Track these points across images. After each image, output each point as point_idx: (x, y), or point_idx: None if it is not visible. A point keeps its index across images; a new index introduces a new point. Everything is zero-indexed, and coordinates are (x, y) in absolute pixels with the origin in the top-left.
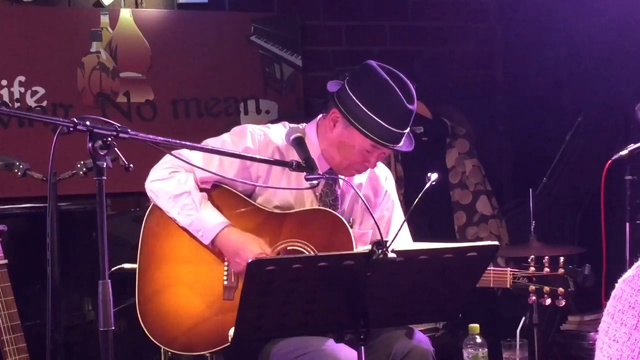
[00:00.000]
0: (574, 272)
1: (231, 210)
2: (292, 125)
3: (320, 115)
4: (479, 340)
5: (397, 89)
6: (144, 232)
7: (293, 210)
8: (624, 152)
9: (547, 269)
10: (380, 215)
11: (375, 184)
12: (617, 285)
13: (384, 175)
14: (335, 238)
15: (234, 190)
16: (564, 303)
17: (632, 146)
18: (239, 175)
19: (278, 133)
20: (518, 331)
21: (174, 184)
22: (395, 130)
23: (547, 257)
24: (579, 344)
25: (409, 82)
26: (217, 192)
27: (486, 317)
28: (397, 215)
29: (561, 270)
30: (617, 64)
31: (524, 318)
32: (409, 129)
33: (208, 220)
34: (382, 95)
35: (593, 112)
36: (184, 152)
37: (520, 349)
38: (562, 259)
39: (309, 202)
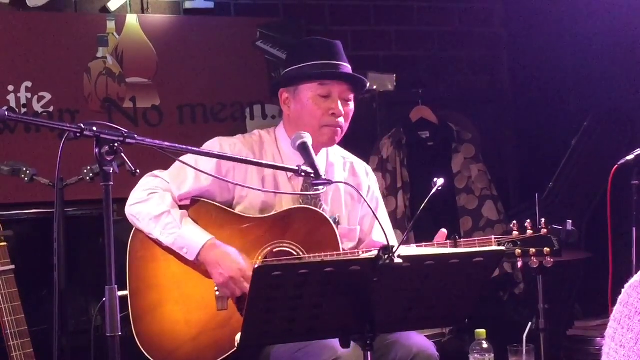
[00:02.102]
0: (557, 230)
1: (213, 222)
2: (263, 130)
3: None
4: (485, 345)
5: (311, 37)
6: (129, 256)
7: (273, 213)
8: (630, 157)
9: (530, 231)
10: (365, 213)
11: (357, 179)
12: (623, 290)
13: (364, 171)
14: (319, 234)
15: (213, 203)
16: (551, 262)
17: (638, 151)
18: (216, 185)
19: (251, 142)
20: (524, 336)
21: (153, 205)
22: (327, 62)
23: (529, 220)
24: (586, 349)
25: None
26: (197, 205)
27: (492, 322)
28: (381, 211)
29: (544, 231)
30: (622, 68)
31: (530, 323)
32: (346, 64)
33: (190, 237)
34: (301, 46)
35: (599, 116)
36: (159, 173)
37: (526, 355)
38: (542, 220)
39: (292, 203)
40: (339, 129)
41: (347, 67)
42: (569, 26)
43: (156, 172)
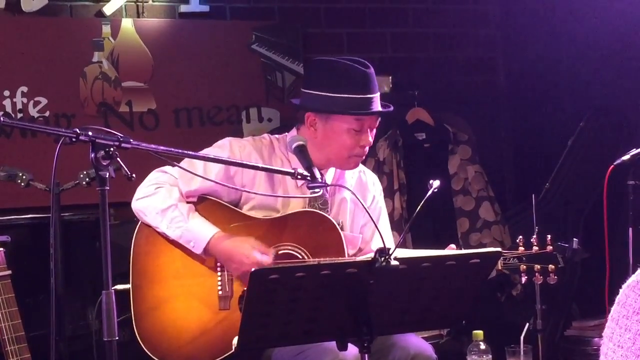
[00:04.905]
0: (562, 248)
1: (219, 220)
2: (273, 136)
3: (295, 128)
4: (483, 346)
5: (345, 61)
6: (133, 251)
7: (281, 215)
8: (626, 157)
9: (535, 248)
10: (367, 221)
11: (364, 189)
12: (621, 290)
13: (372, 181)
14: (324, 238)
15: (220, 201)
16: (556, 280)
17: (634, 151)
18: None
19: (261, 145)
20: (522, 337)
21: (160, 198)
22: (364, 96)
23: (534, 236)
24: (583, 349)
25: (357, 58)
26: (203, 204)
27: (490, 323)
28: (383, 221)
29: (549, 248)
30: (618, 68)
31: (527, 324)
32: (378, 93)
33: (198, 230)
34: (335, 73)
35: (595, 117)
36: (168, 169)
37: (524, 355)
38: (549, 237)
39: (299, 206)
40: (363, 156)
41: (378, 98)
42: (565, 27)
43: (165, 168)
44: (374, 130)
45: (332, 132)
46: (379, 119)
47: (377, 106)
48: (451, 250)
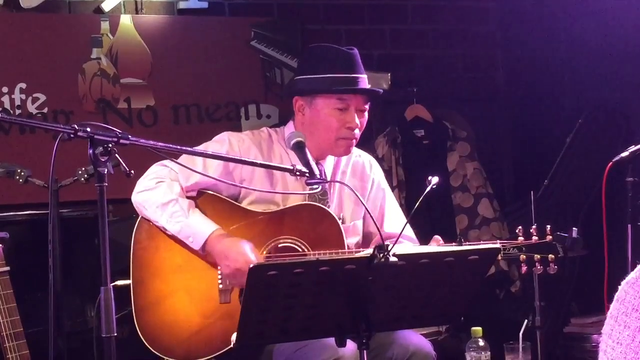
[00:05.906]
0: (562, 237)
1: (218, 215)
2: (271, 129)
3: (291, 120)
4: (481, 343)
5: (328, 45)
6: (134, 246)
7: (280, 208)
8: (625, 154)
9: (535, 238)
10: (373, 207)
11: (361, 172)
12: (620, 287)
13: (369, 163)
14: (324, 231)
15: (220, 196)
16: (556, 269)
17: (633, 148)
18: (222, 179)
19: (259, 139)
20: (521, 334)
21: (160, 193)
22: (346, 75)
23: (534, 226)
24: (582, 346)
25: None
26: (203, 198)
27: (489, 320)
28: (390, 202)
29: (549, 237)
30: (617, 65)
31: (526, 321)
32: (364, 75)
33: (197, 225)
34: (318, 55)
35: (594, 114)
36: (168, 162)
37: (523, 352)
38: (548, 227)
39: (298, 200)
40: (354, 140)
41: (364, 80)
42: (563, 24)
43: (165, 162)
44: (365, 115)
45: (317, 114)
46: (369, 102)
47: (361, 86)
48: (439, 244)
